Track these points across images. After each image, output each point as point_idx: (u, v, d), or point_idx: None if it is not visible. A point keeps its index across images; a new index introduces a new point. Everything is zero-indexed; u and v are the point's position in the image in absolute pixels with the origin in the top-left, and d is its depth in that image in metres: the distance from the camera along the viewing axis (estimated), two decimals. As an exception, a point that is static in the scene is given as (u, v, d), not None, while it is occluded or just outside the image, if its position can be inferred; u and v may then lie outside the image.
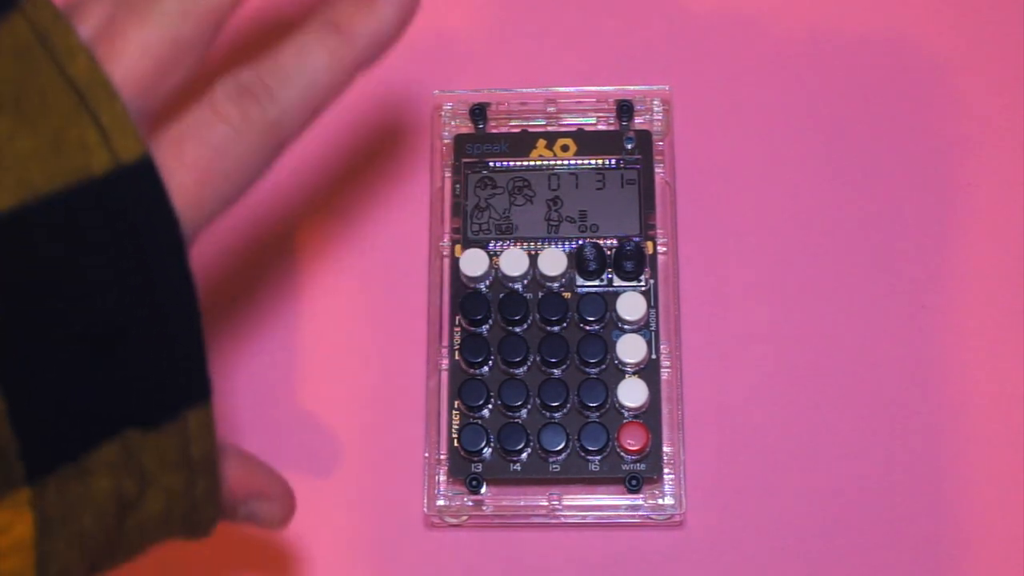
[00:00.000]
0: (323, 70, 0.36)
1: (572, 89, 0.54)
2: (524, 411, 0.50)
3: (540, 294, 0.51)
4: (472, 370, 0.50)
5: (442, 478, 0.50)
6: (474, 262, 0.51)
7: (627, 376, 0.50)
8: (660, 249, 0.52)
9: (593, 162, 0.53)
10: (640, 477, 0.49)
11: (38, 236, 0.32)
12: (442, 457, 0.50)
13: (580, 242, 0.52)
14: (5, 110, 0.32)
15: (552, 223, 0.52)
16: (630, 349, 0.50)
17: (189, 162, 0.34)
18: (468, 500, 0.50)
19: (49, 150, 0.32)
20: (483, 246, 0.52)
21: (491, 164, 0.53)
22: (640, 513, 0.49)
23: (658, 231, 0.52)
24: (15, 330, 0.31)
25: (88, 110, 0.32)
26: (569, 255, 0.51)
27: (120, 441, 0.33)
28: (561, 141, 0.53)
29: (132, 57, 0.34)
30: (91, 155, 0.32)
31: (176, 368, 0.33)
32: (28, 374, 0.32)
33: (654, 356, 0.50)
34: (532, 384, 0.50)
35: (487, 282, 0.52)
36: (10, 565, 0.33)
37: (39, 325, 0.32)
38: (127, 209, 0.32)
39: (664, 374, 0.50)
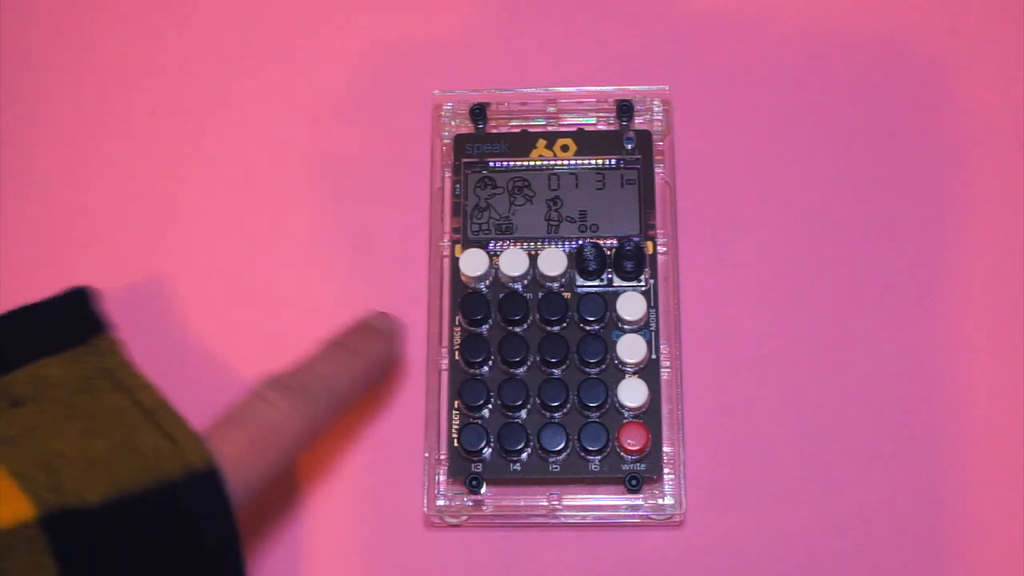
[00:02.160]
0: (345, 378, 0.44)
1: (572, 89, 0.54)
2: (524, 411, 0.50)
3: (540, 294, 0.51)
4: (472, 370, 0.50)
5: (442, 478, 0.50)
6: (474, 262, 0.51)
7: (627, 376, 0.50)
8: (660, 249, 0.52)
9: (593, 162, 0.53)
10: (640, 477, 0.49)
11: (126, 527, 0.37)
12: (442, 457, 0.50)
13: (580, 242, 0.52)
14: (78, 419, 0.38)
15: (552, 223, 0.52)
16: (630, 349, 0.50)
17: (245, 442, 0.40)
18: (468, 500, 0.50)
19: (126, 453, 0.38)
20: (483, 246, 0.52)
21: (491, 164, 0.53)
22: (640, 513, 0.49)
23: (658, 231, 0.52)
24: None
25: (155, 423, 0.38)
26: (569, 255, 0.51)
27: None
28: (561, 141, 0.53)
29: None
30: (164, 459, 0.38)
31: None
32: None
33: (654, 356, 0.50)
34: (532, 384, 0.50)
35: (487, 282, 0.52)
36: None
37: None
38: (198, 508, 0.38)
39: (664, 374, 0.50)
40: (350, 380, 0.45)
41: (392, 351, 0.47)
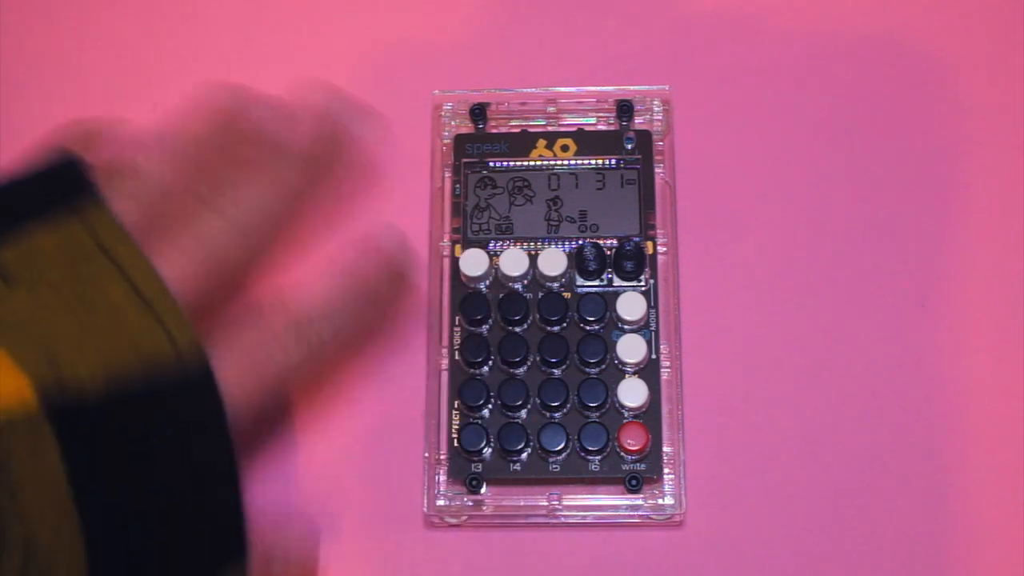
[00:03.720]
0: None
1: (572, 89, 0.54)
2: (524, 411, 0.50)
3: (540, 294, 0.51)
4: (472, 370, 0.50)
5: (442, 478, 0.50)
6: (474, 262, 0.51)
7: (627, 376, 0.50)
8: (660, 249, 0.52)
9: (593, 162, 0.53)
10: (640, 477, 0.49)
11: (122, 414, 0.37)
12: (442, 457, 0.50)
13: (580, 242, 0.52)
14: (73, 306, 0.37)
15: (552, 223, 0.52)
16: (630, 349, 0.50)
17: (239, 359, 0.40)
18: (468, 500, 0.50)
19: (121, 343, 0.37)
20: (483, 246, 0.52)
21: (491, 164, 0.53)
22: (640, 513, 0.49)
23: (658, 231, 0.52)
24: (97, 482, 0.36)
25: (152, 313, 0.38)
26: (569, 255, 0.51)
27: None
28: (561, 141, 0.53)
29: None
30: (159, 346, 0.37)
31: (220, 531, 0.38)
32: (103, 525, 0.36)
33: (654, 356, 0.50)
34: (532, 384, 0.50)
35: (487, 282, 0.52)
36: None
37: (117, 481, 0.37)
38: (191, 410, 0.38)
39: (664, 374, 0.50)
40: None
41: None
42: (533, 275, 0.51)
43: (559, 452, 0.49)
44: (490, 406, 0.50)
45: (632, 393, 0.49)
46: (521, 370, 0.50)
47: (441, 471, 0.50)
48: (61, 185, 0.40)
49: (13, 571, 0.34)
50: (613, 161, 0.53)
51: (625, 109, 0.53)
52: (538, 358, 0.50)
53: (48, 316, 0.37)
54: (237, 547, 0.38)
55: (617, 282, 0.51)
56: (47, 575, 0.35)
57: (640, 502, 0.49)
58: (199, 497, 0.38)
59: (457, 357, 0.51)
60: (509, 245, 0.52)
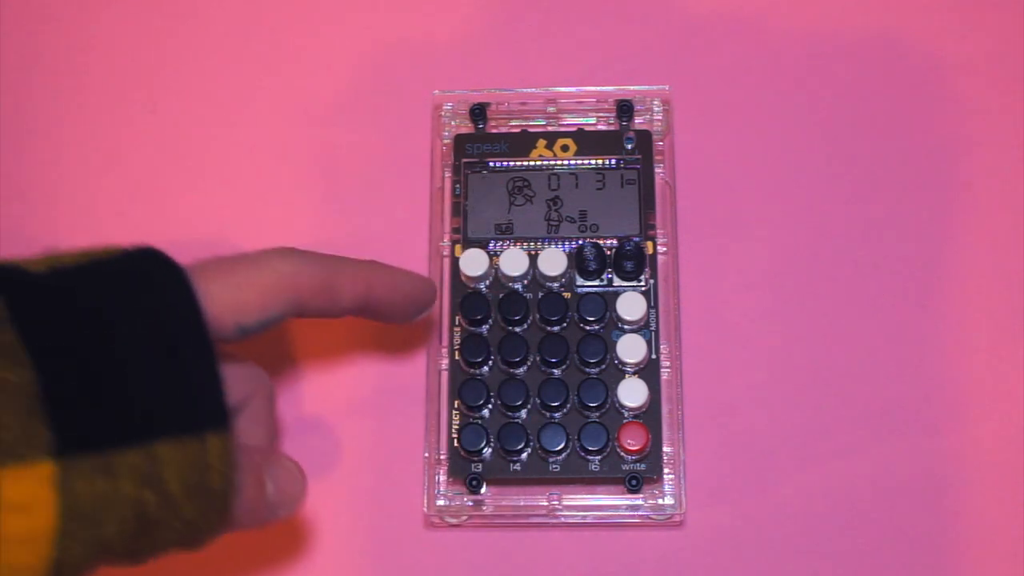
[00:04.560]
0: (368, 282, 0.45)
1: (572, 89, 0.54)
2: (524, 411, 0.50)
3: (540, 294, 0.51)
4: (472, 370, 0.50)
5: (442, 478, 0.50)
6: (474, 262, 0.51)
7: (627, 376, 0.50)
8: (660, 249, 0.52)
9: (593, 162, 0.53)
10: (640, 477, 0.49)
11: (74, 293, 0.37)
12: (442, 457, 0.50)
13: (580, 242, 0.52)
14: None
15: (552, 223, 0.52)
16: (630, 349, 0.50)
17: (231, 264, 0.41)
18: (468, 500, 0.50)
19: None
20: (483, 246, 0.52)
21: (491, 164, 0.53)
22: (640, 513, 0.49)
23: (658, 231, 0.52)
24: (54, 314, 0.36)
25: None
26: (569, 255, 0.51)
27: (145, 451, 0.36)
28: (561, 141, 0.53)
29: None
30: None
31: (192, 390, 0.37)
32: (61, 353, 0.35)
33: (654, 356, 0.50)
34: (532, 384, 0.50)
35: (487, 282, 0.52)
36: (23, 558, 0.34)
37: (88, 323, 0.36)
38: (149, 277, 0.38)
39: (664, 374, 0.50)
40: (370, 285, 0.44)
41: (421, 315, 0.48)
42: (533, 275, 0.51)
43: (559, 452, 0.49)
44: (490, 406, 0.50)
45: (632, 393, 0.49)
46: (521, 370, 0.50)
47: (441, 471, 0.50)
48: None
49: None
50: (613, 161, 0.53)
51: (625, 109, 0.53)
52: (538, 358, 0.50)
53: None
54: (214, 414, 0.37)
55: (617, 282, 0.51)
56: None
57: (640, 502, 0.49)
58: (167, 358, 0.37)
59: (457, 357, 0.51)
60: (509, 245, 0.52)
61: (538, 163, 0.53)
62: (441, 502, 0.50)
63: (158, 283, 0.38)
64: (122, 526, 0.35)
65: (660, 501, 0.49)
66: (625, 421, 0.49)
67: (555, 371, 0.50)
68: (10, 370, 0.34)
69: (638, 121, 0.54)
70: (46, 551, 0.34)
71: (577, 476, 0.49)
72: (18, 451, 0.34)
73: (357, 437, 0.52)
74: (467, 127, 0.54)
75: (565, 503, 0.50)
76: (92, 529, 0.35)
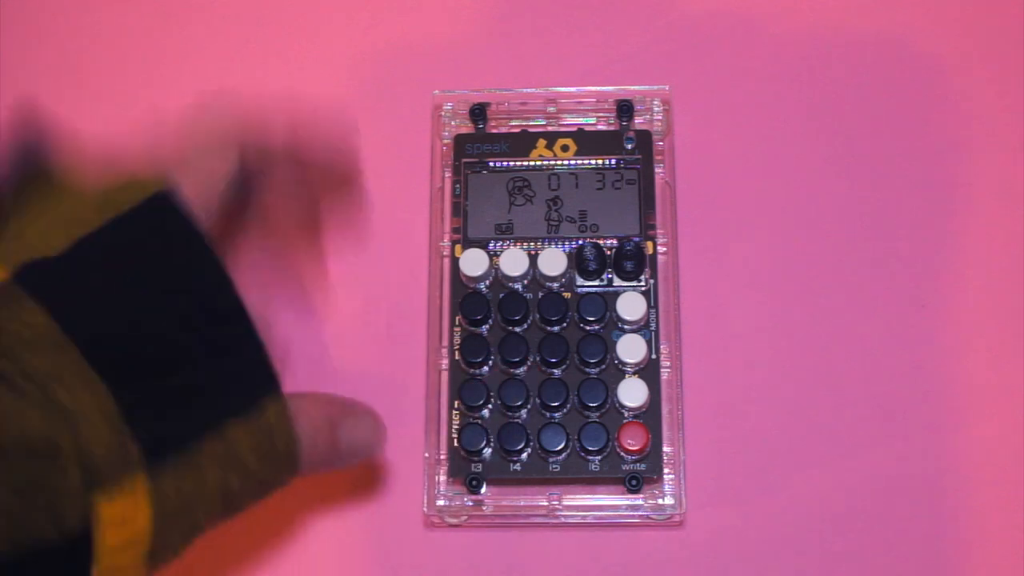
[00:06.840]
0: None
1: (572, 89, 0.54)
2: (524, 411, 0.50)
3: (540, 294, 0.51)
4: (472, 370, 0.50)
5: (442, 478, 0.50)
6: (474, 262, 0.51)
7: (627, 376, 0.50)
8: (660, 249, 0.52)
9: (593, 162, 0.53)
10: (640, 477, 0.49)
11: (96, 258, 0.38)
12: (442, 457, 0.50)
13: (580, 242, 0.52)
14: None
15: (552, 223, 0.52)
16: (630, 349, 0.50)
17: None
18: (468, 500, 0.50)
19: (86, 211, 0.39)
20: (483, 246, 0.52)
21: (491, 164, 0.53)
22: (640, 513, 0.49)
23: (658, 231, 0.52)
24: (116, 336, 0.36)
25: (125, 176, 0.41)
26: (569, 255, 0.51)
27: (219, 435, 0.37)
28: (561, 141, 0.53)
29: None
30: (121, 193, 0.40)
31: (244, 363, 0.39)
32: (124, 362, 0.36)
33: (654, 356, 0.50)
34: (532, 384, 0.50)
35: (487, 282, 0.52)
36: (123, 560, 0.36)
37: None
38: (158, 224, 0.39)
39: (664, 374, 0.50)
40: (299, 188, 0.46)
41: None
42: (533, 275, 0.51)
43: (559, 452, 0.49)
44: (490, 406, 0.50)
45: (632, 393, 0.49)
46: (521, 370, 0.50)
47: (441, 471, 0.50)
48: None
49: (36, 418, 0.34)
50: (613, 161, 0.53)
51: (625, 109, 0.53)
52: (538, 358, 0.50)
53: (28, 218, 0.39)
54: (265, 380, 0.39)
55: (617, 282, 0.51)
56: (76, 429, 0.34)
57: (640, 502, 0.49)
58: (211, 331, 0.38)
59: (457, 357, 0.51)
60: (509, 245, 0.52)
61: (538, 163, 0.53)
62: (441, 502, 0.50)
63: (178, 245, 0.39)
64: (211, 508, 0.37)
65: (660, 501, 0.49)
66: (625, 421, 0.49)
67: (555, 371, 0.50)
68: (87, 390, 0.35)
69: (638, 121, 0.54)
70: (143, 548, 0.36)
71: (577, 476, 0.49)
72: (115, 475, 0.35)
73: (357, 437, 0.52)
74: (467, 127, 0.54)
75: (565, 503, 0.50)
76: (185, 519, 0.37)
